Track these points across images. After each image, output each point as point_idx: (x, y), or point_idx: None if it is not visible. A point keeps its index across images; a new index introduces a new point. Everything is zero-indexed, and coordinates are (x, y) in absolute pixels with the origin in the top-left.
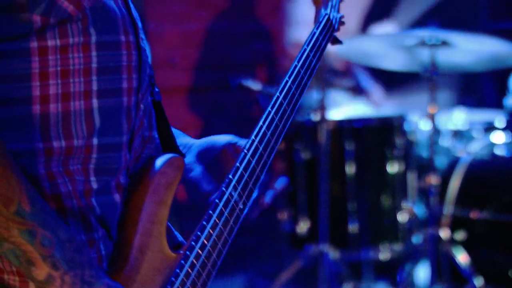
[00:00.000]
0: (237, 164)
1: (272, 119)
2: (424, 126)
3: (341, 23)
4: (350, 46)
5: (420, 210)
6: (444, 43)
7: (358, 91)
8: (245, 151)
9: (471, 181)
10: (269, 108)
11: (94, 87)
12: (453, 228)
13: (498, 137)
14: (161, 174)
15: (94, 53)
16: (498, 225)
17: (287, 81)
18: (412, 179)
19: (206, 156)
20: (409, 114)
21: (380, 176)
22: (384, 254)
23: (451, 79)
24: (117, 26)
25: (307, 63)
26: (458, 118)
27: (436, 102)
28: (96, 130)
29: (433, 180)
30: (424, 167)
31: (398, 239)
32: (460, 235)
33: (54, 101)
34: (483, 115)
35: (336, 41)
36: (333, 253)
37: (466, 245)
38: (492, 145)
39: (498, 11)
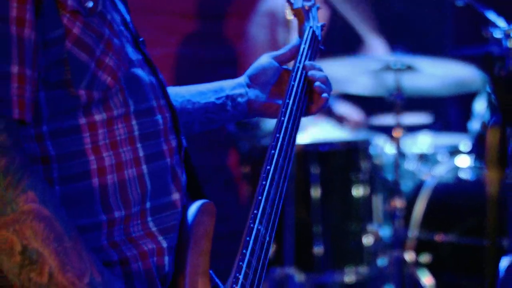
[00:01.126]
0: (259, 197)
1: (282, 147)
2: (389, 149)
3: (322, 30)
4: None
5: (385, 233)
6: (410, 68)
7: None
8: (264, 175)
9: (436, 205)
10: (277, 134)
11: (141, 153)
12: (418, 251)
13: (463, 161)
14: (198, 224)
15: (134, 122)
16: (462, 248)
17: (288, 103)
18: (377, 202)
19: (261, 78)
20: (374, 138)
21: (346, 199)
22: (349, 277)
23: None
24: (147, 92)
25: (302, 81)
26: (423, 141)
27: (401, 126)
28: (148, 195)
29: (398, 203)
30: (390, 190)
31: (363, 262)
32: (425, 258)
33: (110, 172)
34: (448, 139)
35: (320, 50)
36: (298, 276)
37: (431, 268)
38: (457, 168)
39: (463, 37)
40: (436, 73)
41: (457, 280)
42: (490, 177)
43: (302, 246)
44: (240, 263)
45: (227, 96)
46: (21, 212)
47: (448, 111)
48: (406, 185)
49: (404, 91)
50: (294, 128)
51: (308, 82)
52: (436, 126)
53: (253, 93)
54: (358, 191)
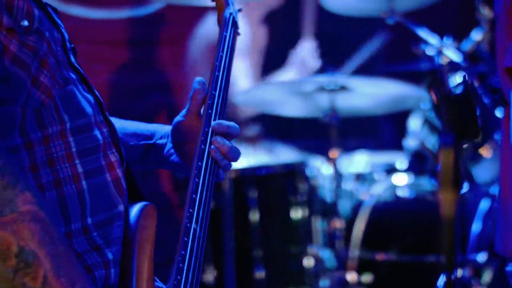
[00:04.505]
0: (193, 195)
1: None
2: (326, 170)
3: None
4: (249, 95)
5: (326, 254)
6: (343, 88)
7: (259, 139)
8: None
9: (376, 224)
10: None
11: (80, 169)
12: (360, 271)
13: (400, 179)
14: (142, 229)
15: (71, 138)
16: (403, 266)
17: (214, 94)
18: (316, 224)
19: (176, 139)
20: (310, 159)
21: (285, 222)
22: None
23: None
24: (83, 109)
25: (226, 70)
26: (360, 161)
27: (337, 147)
28: (88, 210)
29: (338, 224)
30: (328, 211)
31: (305, 284)
32: (367, 278)
33: (48, 189)
34: (383, 157)
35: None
36: None
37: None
38: (394, 187)
39: (394, 53)
40: (369, 92)
41: None
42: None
43: (243, 271)
44: (180, 264)
45: (154, 144)
46: (20, 212)
47: (382, 129)
48: (345, 205)
49: (338, 111)
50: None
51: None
52: (371, 145)
53: (170, 148)
54: (297, 214)
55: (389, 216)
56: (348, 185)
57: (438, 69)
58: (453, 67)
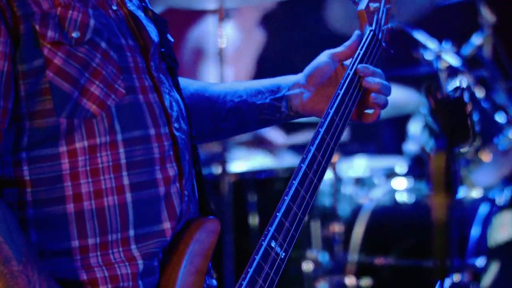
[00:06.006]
0: (277, 213)
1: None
2: (326, 175)
3: (390, 31)
4: None
5: (324, 258)
6: None
7: (257, 143)
8: (285, 197)
9: (375, 228)
10: (310, 146)
11: (126, 181)
12: (359, 275)
13: (399, 183)
14: (196, 241)
15: (121, 150)
16: (402, 270)
17: (329, 113)
18: (315, 228)
19: (317, 78)
20: None
21: None
22: None
23: (351, 127)
24: (144, 120)
25: (351, 88)
26: (359, 165)
27: (337, 151)
28: (130, 223)
29: (337, 228)
30: (327, 215)
31: None
32: (365, 282)
33: (87, 198)
34: (383, 162)
35: (386, 51)
36: None
37: None
38: (394, 191)
39: (394, 58)
40: None
41: None
42: (437, 202)
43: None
44: (242, 282)
45: (283, 97)
46: None
47: (382, 134)
48: (344, 210)
49: None
50: (333, 141)
51: (362, 89)
52: (371, 149)
53: (307, 94)
54: None
55: (388, 221)
56: (347, 189)
57: (434, 74)
58: (452, 71)
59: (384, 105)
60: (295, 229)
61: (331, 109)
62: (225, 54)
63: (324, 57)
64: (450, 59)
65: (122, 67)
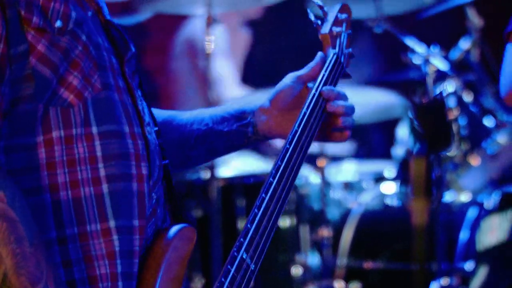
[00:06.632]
0: (248, 225)
1: (276, 184)
2: (314, 179)
3: (351, 56)
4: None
5: (313, 262)
6: None
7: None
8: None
9: (363, 232)
10: (279, 162)
11: (102, 173)
12: (348, 279)
13: (388, 187)
14: (173, 249)
15: (97, 142)
16: (391, 274)
17: (296, 131)
18: (304, 232)
19: (281, 102)
20: None
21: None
22: None
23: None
24: (119, 117)
25: (316, 108)
26: (348, 169)
27: (325, 155)
28: (108, 214)
29: (326, 232)
30: (316, 219)
31: None
32: (354, 286)
33: (63, 189)
34: (372, 166)
35: (346, 75)
36: None
37: None
38: (383, 195)
39: (383, 64)
40: (358, 101)
41: None
42: (416, 206)
43: None
44: None
45: (249, 123)
46: None
47: (370, 138)
48: (333, 214)
49: None
50: (299, 157)
51: (324, 105)
52: (360, 154)
53: (272, 118)
54: (284, 222)
55: (377, 225)
56: (336, 194)
57: (422, 78)
58: (441, 75)
59: (351, 126)
60: (265, 242)
61: (298, 126)
62: (213, 58)
63: (287, 80)
64: (438, 63)
65: (99, 64)
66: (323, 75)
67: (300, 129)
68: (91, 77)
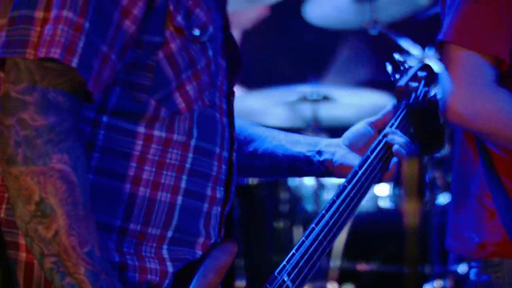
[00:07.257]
0: (293, 251)
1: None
2: (308, 181)
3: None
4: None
5: None
6: (326, 98)
7: None
8: (304, 238)
9: (357, 234)
10: (334, 197)
11: (183, 185)
12: (341, 281)
13: (381, 189)
14: (212, 258)
15: (190, 154)
16: (384, 276)
17: (357, 171)
18: (298, 234)
19: (357, 144)
20: None
21: (266, 232)
22: None
23: (334, 133)
24: (215, 137)
25: (379, 150)
26: None
27: None
28: (172, 224)
29: None
30: (310, 221)
31: None
32: None
33: (144, 185)
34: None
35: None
36: None
37: None
38: (376, 197)
39: (378, 65)
40: (352, 102)
41: None
42: (409, 208)
43: (224, 280)
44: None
45: (318, 151)
46: (51, 167)
47: None
48: None
49: (321, 122)
50: (356, 197)
51: (387, 148)
52: None
53: (341, 154)
54: (278, 223)
55: (371, 227)
56: (330, 195)
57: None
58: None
59: (405, 156)
60: (309, 270)
61: (359, 168)
62: None
63: (362, 124)
64: (433, 65)
65: (213, 82)
66: (392, 123)
67: (361, 170)
68: (203, 92)
